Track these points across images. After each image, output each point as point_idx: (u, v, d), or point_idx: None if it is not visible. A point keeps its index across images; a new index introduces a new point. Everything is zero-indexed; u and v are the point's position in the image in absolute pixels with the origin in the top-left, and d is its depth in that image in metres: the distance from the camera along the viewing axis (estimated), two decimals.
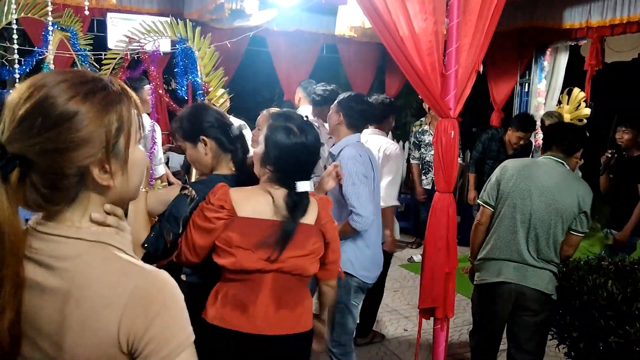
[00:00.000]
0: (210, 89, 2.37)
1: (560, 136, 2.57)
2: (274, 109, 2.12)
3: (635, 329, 1.99)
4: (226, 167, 1.83)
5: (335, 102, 2.59)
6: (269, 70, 6.73)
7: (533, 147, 5.07)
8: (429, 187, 5.10)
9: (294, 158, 1.64)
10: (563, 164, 2.50)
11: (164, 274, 0.83)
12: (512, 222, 2.43)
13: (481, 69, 2.29)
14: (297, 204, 1.63)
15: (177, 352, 0.79)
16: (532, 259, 2.38)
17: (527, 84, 5.67)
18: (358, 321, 2.63)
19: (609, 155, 4.05)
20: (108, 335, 0.77)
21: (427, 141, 5.06)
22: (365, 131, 3.05)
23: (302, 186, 1.64)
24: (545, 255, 2.38)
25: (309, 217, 1.68)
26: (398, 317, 4.02)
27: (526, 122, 4.49)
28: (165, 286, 0.81)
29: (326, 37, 6.09)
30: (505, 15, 5.36)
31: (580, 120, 5.44)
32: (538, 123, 5.48)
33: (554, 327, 2.41)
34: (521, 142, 4.47)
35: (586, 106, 5.61)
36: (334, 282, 1.91)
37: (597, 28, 4.78)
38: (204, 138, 1.77)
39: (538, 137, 5.49)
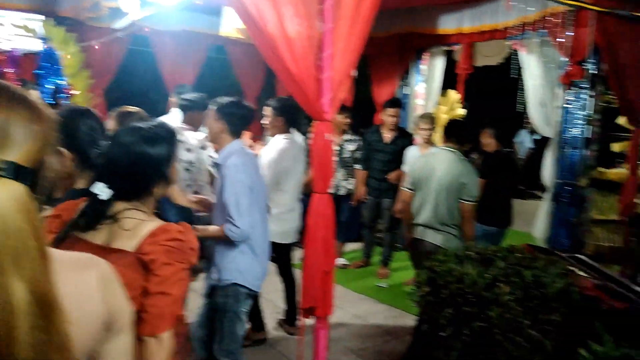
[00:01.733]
0: (73, 92, 2.22)
1: (453, 131, 3.46)
2: (125, 109, 2.04)
3: (495, 312, 2.17)
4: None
5: (214, 109, 2.55)
6: (155, 71, 6.47)
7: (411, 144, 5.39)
8: (334, 191, 5.20)
9: (109, 160, 1.43)
10: (453, 151, 3.35)
11: None
12: (422, 197, 3.40)
13: (355, 73, 2.37)
14: (86, 212, 1.35)
15: None
16: (435, 223, 3.34)
17: (407, 87, 5.98)
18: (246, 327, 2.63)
19: (474, 157, 4.46)
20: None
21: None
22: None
23: (97, 189, 1.36)
24: (444, 220, 3.31)
25: (123, 241, 1.33)
26: None
27: (394, 100, 4.99)
28: None
29: (213, 37, 5.96)
30: (387, 21, 5.67)
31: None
32: (412, 126, 5.83)
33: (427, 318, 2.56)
34: (393, 120, 4.77)
35: (462, 107, 6.07)
36: (166, 334, 1.31)
37: (469, 34, 5.17)
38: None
39: (416, 137, 5.82)
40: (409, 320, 3.63)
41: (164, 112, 4.35)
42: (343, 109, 5.12)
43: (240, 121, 2.54)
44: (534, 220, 4.76)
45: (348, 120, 5.11)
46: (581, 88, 4.30)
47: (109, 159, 1.43)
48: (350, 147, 5.13)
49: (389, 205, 4.98)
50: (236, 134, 2.54)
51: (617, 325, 2.35)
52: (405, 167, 5.14)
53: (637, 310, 2.58)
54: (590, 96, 4.30)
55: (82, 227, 1.35)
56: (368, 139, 5.02)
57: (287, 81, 2.24)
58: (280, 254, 3.51)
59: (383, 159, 4.90)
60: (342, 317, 4.12)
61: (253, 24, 2.14)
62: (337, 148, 5.09)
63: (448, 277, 2.39)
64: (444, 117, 6.03)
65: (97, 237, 1.35)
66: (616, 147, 5.53)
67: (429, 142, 4.83)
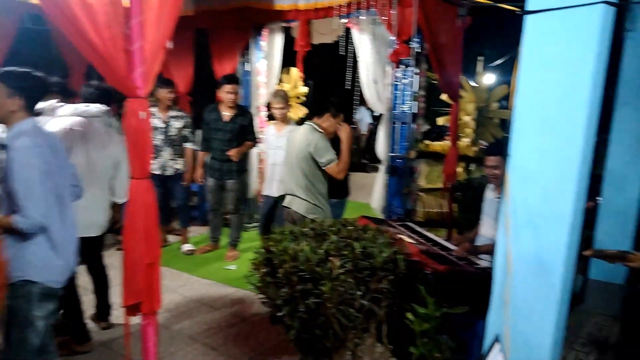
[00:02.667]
0: None
1: (309, 107, 3.93)
2: None
3: (327, 287, 2.19)
4: None
5: (0, 82, 2.14)
6: None
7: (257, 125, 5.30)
8: (160, 171, 4.86)
9: None
10: (312, 125, 3.58)
11: None
12: (288, 169, 3.69)
13: (171, 45, 2.16)
14: None
15: None
16: (298, 192, 3.56)
17: (248, 63, 5.85)
18: (43, 335, 2.24)
19: None
20: None
21: (156, 125, 4.80)
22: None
23: None
24: (305, 189, 3.53)
25: None
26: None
27: (230, 76, 4.82)
28: None
29: (28, 5, 5.14)
30: None
31: (298, 97, 5.90)
32: (263, 101, 5.75)
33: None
34: (230, 97, 4.61)
35: (305, 84, 6.11)
36: None
37: (304, 11, 5.17)
38: None
39: (262, 115, 5.76)
40: (258, 302, 3.58)
41: None
42: (166, 82, 4.82)
43: (34, 95, 2.19)
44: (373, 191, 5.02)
45: (172, 95, 4.82)
46: (408, 66, 4.58)
47: None
48: (177, 124, 4.86)
49: (233, 186, 4.85)
50: (29, 110, 2.18)
51: (439, 286, 2.54)
52: (263, 146, 5.06)
53: (456, 271, 2.82)
54: (416, 74, 4.60)
55: None
56: (207, 117, 4.79)
57: (90, 55, 1.96)
58: (87, 248, 3.11)
59: (223, 137, 4.71)
60: (187, 305, 3.94)
61: None
62: (163, 126, 4.80)
63: (283, 256, 2.35)
64: None
65: None
66: (440, 121, 6.05)
67: (284, 119, 4.79)
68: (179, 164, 4.93)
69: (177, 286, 4.30)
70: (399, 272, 2.43)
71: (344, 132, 3.56)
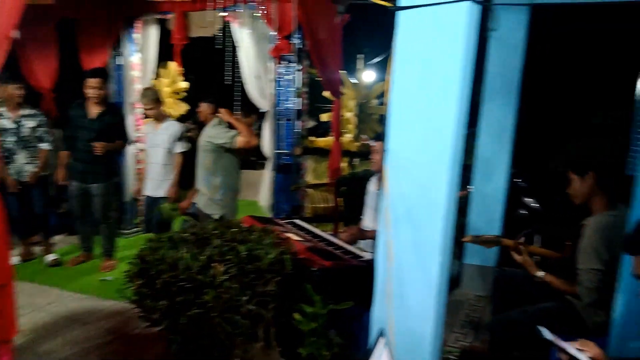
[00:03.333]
0: None
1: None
2: None
3: (210, 295, 2.06)
4: None
5: None
6: None
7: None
8: (16, 177, 4.33)
9: None
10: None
11: None
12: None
13: (17, 35, 1.89)
14: None
15: None
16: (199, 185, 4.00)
17: (121, 57, 5.43)
18: None
19: (190, 127, 4.43)
20: None
21: (5, 126, 4.25)
22: None
23: None
24: (206, 179, 4.01)
25: None
26: None
27: (96, 70, 4.54)
28: None
29: None
30: None
31: (178, 93, 5.61)
32: (137, 97, 5.38)
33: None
34: (95, 92, 4.20)
35: (185, 79, 5.84)
36: None
37: (180, 2, 4.91)
38: None
39: (138, 112, 5.39)
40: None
41: None
42: (14, 77, 4.31)
43: None
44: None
45: (21, 91, 4.30)
46: (290, 62, 4.55)
47: None
48: (30, 123, 4.34)
49: (99, 191, 4.38)
50: None
51: (326, 282, 2.53)
52: (142, 145, 4.72)
53: (342, 265, 2.83)
54: (298, 70, 4.58)
55: None
56: (71, 114, 4.32)
57: None
58: None
59: (87, 137, 4.24)
60: (57, 324, 3.54)
61: None
62: (13, 126, 4.28)
63: (161, 265, 2.17)
64: (166, 90, 5.72)
65: None
66: (324, 117, 6.13)
67: (160, 117, 4.58)
68: (36, 167, 4.42)
69: (46, 303, 3.86)
70: (286, 272, 2.37)
71: (224, 115, 3.98)
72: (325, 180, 5.39)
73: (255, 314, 2.26)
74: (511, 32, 3.84)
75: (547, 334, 1.46)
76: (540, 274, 2.72)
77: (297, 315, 2.28)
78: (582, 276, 2.52)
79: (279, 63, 4.57)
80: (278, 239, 2.56)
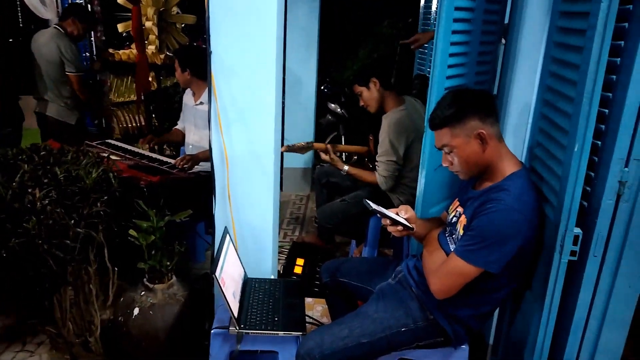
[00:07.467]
0: None
1: None
2: None
3: (32, 222, 1.87)
4: None
5: None
6: None
7: None
8: None
9: None
10: None
11: None
12: None
13: None
14: None
15: None
16: None
17: None
18: None
19: None
20: None
21: None
22: None
23: None
24: None
25: None
26: None
27: None
28: None
29: None
30: None
31: None
32: None
33: None
34: None
35: None
36: None
37: None
38: None
39: None
40: None
41: None
42: None
43: None
44: None
45: None
46: None
47: None
48: None
49: None
50: None
51: (156, 197, 2.48)
52: None
53: (171, 179, 2.79)
54: None
55: None
56: None
57: None
58: None
59: None
60: None
61: None
62: None
63: None
64: None
65: None
66: (120, 27, 5.55)
67: None
68: None
69: None
70: (113, 190, 2.24)
71: None
72: (132, 98, 5.03)
73: (86, 237, 2.13)
74: None
75: (372, 205, 1.70)
76: (345, 168, 3.00)
77: (132, 231, 2.21)
78: (380, 166, 2.86)
79: None
80: (97, 158, 2.38)
